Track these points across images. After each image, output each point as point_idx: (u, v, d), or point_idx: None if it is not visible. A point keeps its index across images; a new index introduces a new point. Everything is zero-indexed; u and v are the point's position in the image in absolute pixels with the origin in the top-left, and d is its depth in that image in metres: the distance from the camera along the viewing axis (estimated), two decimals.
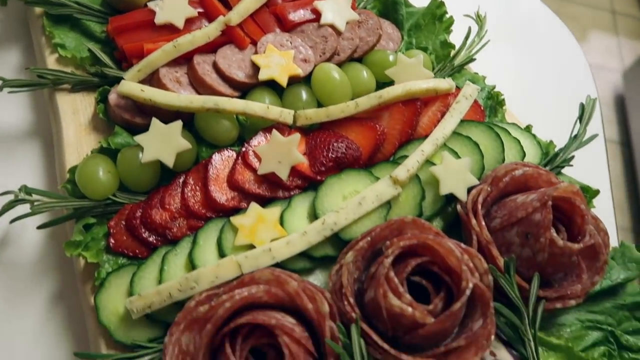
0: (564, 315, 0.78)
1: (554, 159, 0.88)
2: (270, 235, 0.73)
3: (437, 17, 1.02)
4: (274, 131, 0.79)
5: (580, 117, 0.90)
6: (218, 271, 0.68)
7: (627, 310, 0.79)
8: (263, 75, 0.84)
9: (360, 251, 0.70)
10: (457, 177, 0.79)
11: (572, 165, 0.88)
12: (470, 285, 0.63)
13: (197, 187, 0.77)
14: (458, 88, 0.90)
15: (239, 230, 0.73)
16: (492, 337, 0.64)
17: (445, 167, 0.79)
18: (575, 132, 0.90)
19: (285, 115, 0.81)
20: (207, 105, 0.78)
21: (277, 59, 0.86)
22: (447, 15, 1.02)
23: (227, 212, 0.76)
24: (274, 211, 0.75)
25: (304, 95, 0.86)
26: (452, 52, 0.99)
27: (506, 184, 0.77)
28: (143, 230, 0.74)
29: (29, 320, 0.78)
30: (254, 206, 0.75)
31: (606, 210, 0.99)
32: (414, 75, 0.88)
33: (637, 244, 0.82)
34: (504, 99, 0.95)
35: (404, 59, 0.89)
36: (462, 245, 0.70)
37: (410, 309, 0.62)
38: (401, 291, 0.63)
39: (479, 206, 0.75)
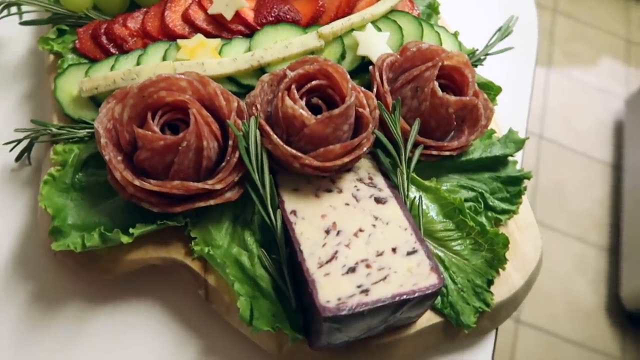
0: (445, 178, 0.92)
1: (470, 58, 1.02)
2: (207, 57, 0.87)
3: None
4: None
5: (500, 29, 1.04)
6: (156, 69, 0.83)
7: (501, 182, 0.92)
8: None
9: (276, 76, 0.84)
10: (375, 45, 0.93)
11: (483, 65, 1.02)
12: (352, 98, 0.77)
13: (157, 17, 0.92)
14: None
15: (181, 48, 0.88)
16: (365, 148, 0.79)
17: (367, 34, 0.93)
18: (492, 40, 1.04)
19: None
20: None
21: None
22: None
23: (177, 38, 0.91)
24: (215, 41, 0.90)
25: None
26: None
27: (413, 54, 0.90)
28: (104, 39, 0.89)
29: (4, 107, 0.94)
30: (199, 35, 0.90)
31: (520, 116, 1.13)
32: None
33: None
34: (438, 7, 1.09)
35: None
36: (362, 88, 0.84)
37: (299, 110, 0.76)
38: (296, 97, 0.78)
39: (384, 64, 0.89)
